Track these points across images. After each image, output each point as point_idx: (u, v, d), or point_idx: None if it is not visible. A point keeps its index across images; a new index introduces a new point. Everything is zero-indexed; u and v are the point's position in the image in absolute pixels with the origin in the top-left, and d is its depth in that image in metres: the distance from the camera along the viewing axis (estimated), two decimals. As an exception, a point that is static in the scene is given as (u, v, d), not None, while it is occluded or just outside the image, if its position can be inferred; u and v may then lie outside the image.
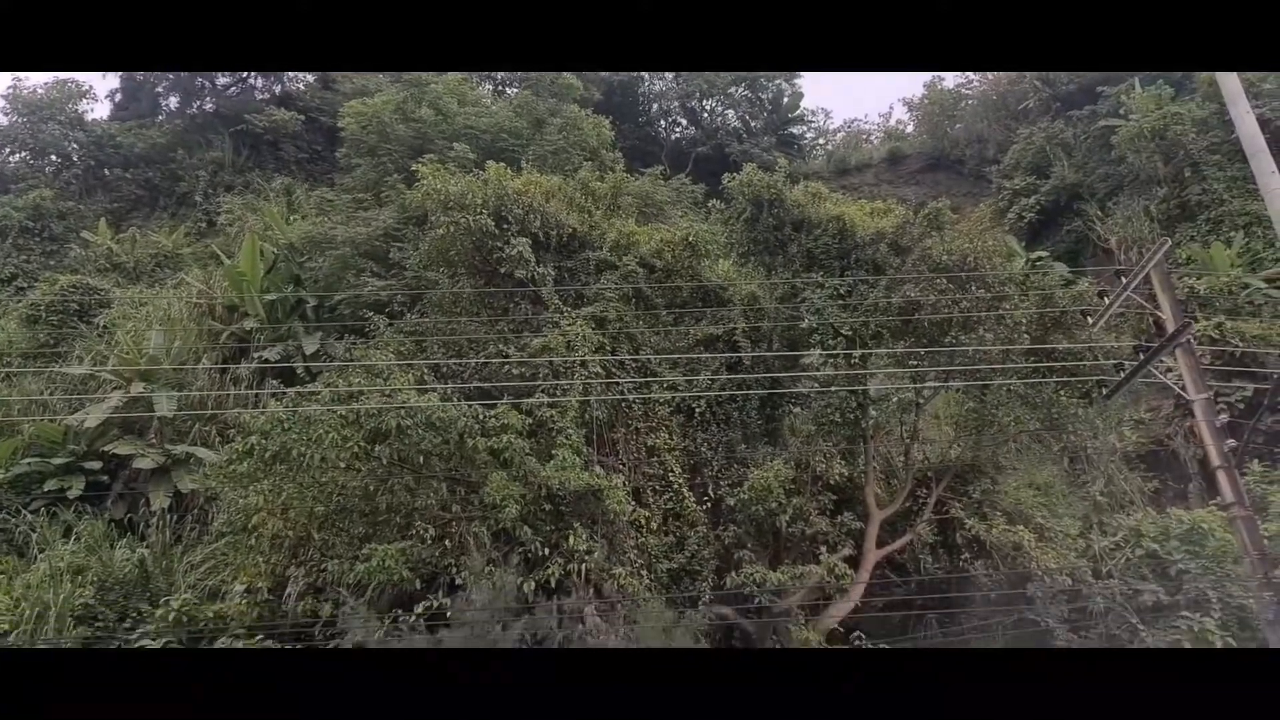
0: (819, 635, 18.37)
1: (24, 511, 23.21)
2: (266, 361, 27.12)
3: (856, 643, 18.54)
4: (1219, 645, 18.58)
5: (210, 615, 19.55)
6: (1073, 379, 19.42)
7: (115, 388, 25.66)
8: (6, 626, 19.79)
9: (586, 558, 17.19)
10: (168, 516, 23.00)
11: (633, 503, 18.51)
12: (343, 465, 17.27)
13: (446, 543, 17.43)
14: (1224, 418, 15.33)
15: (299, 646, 18.67)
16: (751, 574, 18.02)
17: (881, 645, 17.14)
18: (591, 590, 17.13)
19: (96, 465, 24.62)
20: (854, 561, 19.10)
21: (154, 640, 18.91)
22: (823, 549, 18.84)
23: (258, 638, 18.82)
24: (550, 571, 16.98)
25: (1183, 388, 16.05)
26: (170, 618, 19.22)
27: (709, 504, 20.21)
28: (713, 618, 17.48)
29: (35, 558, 22.01)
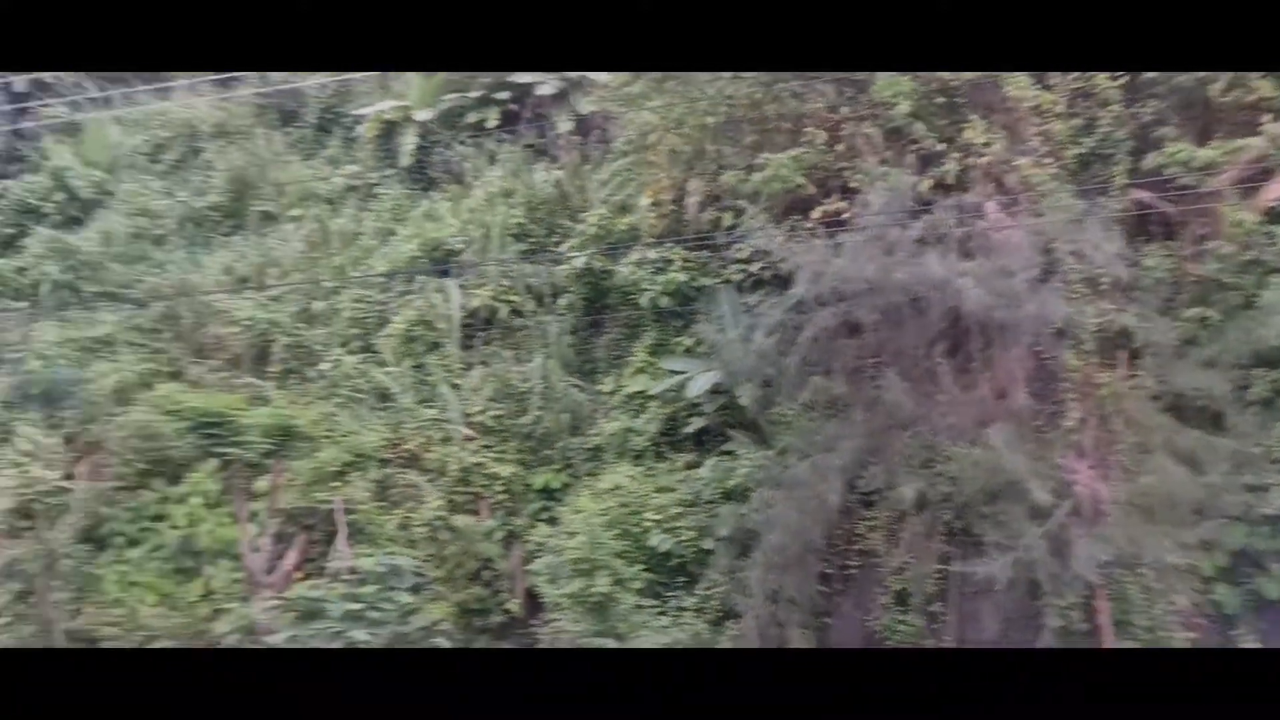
0: (1255, 214, 16.68)
1: (454, 144, 26.00)
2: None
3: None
4: None
5: (623, 227, 21.46)
6: None
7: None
8: (461, 245, 23.17)
9: (985, 150, 16.42)
10: (573, 139, 24.77)
11: (1035, 87, 17.09)
12: (728, 75, 17.39)
13: (837, 147, 17.35)
14: None
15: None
16: (1175, 153, 16.35)
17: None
18: (992, 184, 16.51)
19: (505, 95, 26.58)
20: (1304, 127, 16.66)
21: (578, 253, 21.22)
22: (1265, 117, 16.53)
23: (665, 244, 20.41)
24: (947, 168, 16.46)
25: None
26: (590, 232, 21.46)
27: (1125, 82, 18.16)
28: (1129, 204, 16.34)
29: (470, 184, 24.98)
